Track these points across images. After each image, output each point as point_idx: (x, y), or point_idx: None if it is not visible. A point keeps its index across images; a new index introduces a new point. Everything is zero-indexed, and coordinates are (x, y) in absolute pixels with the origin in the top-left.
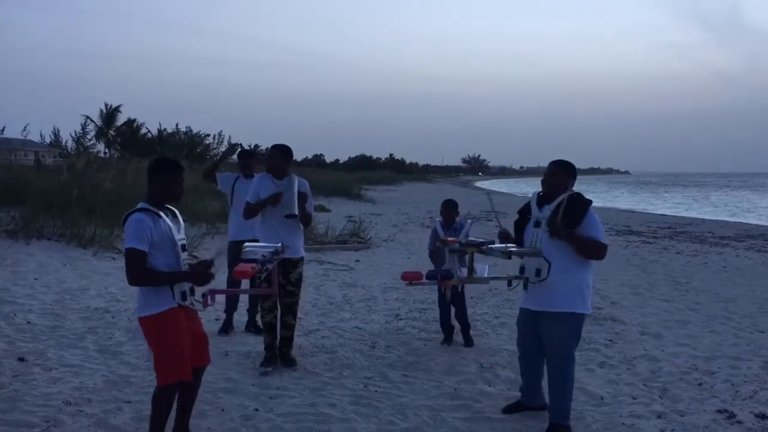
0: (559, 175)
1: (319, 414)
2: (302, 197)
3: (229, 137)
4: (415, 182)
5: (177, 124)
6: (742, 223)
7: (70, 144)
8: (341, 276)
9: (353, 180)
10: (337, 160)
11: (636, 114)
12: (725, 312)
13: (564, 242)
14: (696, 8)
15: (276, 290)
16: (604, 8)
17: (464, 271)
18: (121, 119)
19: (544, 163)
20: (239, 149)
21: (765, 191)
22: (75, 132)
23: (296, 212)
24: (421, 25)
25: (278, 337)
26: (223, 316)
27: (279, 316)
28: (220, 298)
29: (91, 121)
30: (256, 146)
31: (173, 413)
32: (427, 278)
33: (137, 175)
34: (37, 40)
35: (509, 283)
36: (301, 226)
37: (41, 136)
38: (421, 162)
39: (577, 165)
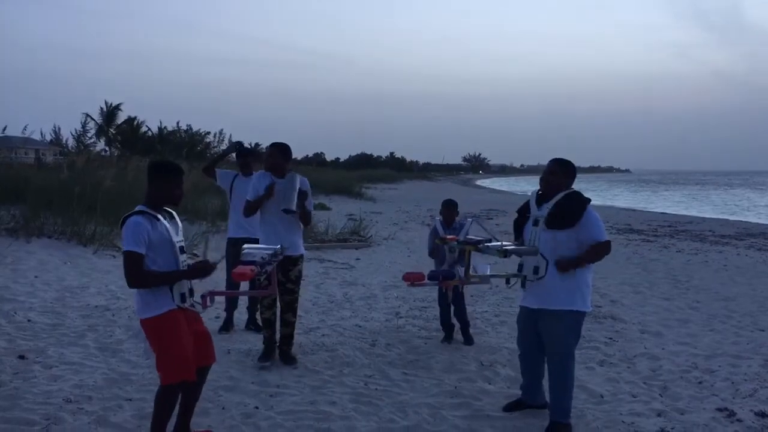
0: (558, 173)
1: (319, 412)
2: (302, 195)
3: (230, 135)
4: (415, 180)
5: (178, 123)
6: (742, 221)
7: (71, 142)
8: (342, 274)
9: (354, 178)
10: (338, 159)
11: (636, 113)
12: (726, 310)
13: (563, 240)
14: (696, 7)
15: (275, 289)
16: (604, 8)
17: (463, 270)
18: (121, 117)
19: (545, 162)
20: (240, 147)
21: (765, 190)
22: (75, 130)
23: (294, 208)
24: (421, 24)
25: (277, 332)
26: (224, 314)
27: (278, 313)
28: (220, 296)
29: (92, 119)
30: (257, 145)
31: (175, 412)
32: (429, 279)
33: (138, 173)
34: (39, 39)
35: (507, 281)
36: (301, 224)
37: (41, 134)
38: (422, 160)
39: (578, 163)
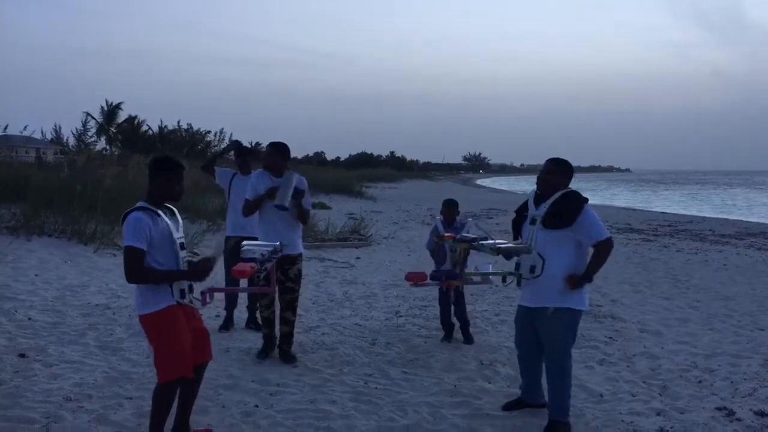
0: (554, 173)
1: (319, 411)
2: (299, 194)
3: (231, 134)
4: (415, 180)
5: (178, 122)
6: (742, 221)
7: (72, 141)
8: (342, 273)
9: (354, 177)
10: (338, 158)
11: (637, 112)
12: (725, 310)
13: (558, 238)
14: (696, 7)
15: (275, 286)
16: (604, 7)
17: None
18: (122, 116)
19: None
20: (239, 145)
21: (765, 189)
22: (76, 129)
23: (287, 205)
24: (421, 24)
25: (276, 329)
26: (224, 312)
27: (278, 312)
28: (220, 295)
29: (92, 118)
30: (257, 144)
31: (174, 409)
32: (431, 279)
33: (138, 172)
34: (39, 38)
35: (504, 279)
36: (300, 223)
37: (42, 133)
38: (422, 160)
39: (578, 163)
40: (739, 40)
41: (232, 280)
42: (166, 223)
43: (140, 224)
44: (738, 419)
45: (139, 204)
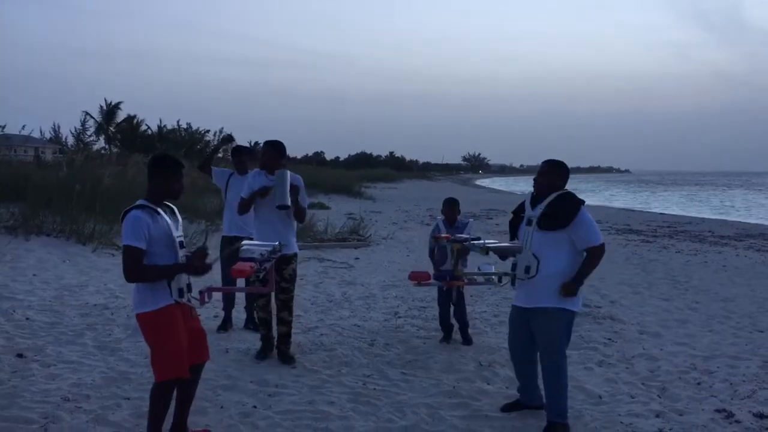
0: (550, 174)
1: (317, 412)
2: (294, 190)
3: (221, 129)
4: (415, 180)
5: (178, 121)
6: (741, 222)
7: (70, 140)
8: (340, 274)
9: (353, 177)
10: (338, 158)
11: (636, 113)
12: (724, 311)
13: (554, 240)
14: (696, 7)
15: (273, 286)
16: (604, 7)
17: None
18: (121, 116)
19: None
20: (232, 140)
21: (764, 191)
22: (75, 128)
23: (288, 203)
24: (421, 24)
25: (273, 329)
26: (222, 313)
27: (274, 312)
28: (218, 295)
29: (91, 117)
30: (256, 144)
31: (172, 409)
32: (435, 279)
33: (137, 171)
34: (39, 38)
35: (499, 279)
36: (295, 223)
37: (41, 132)
38: (422, 160)
39: (578, 164)
40: (739, 40)
41: (229, 280)
42: (166, 221)
43: (139, 223)
44: (737, 421)
45: (138, 202)
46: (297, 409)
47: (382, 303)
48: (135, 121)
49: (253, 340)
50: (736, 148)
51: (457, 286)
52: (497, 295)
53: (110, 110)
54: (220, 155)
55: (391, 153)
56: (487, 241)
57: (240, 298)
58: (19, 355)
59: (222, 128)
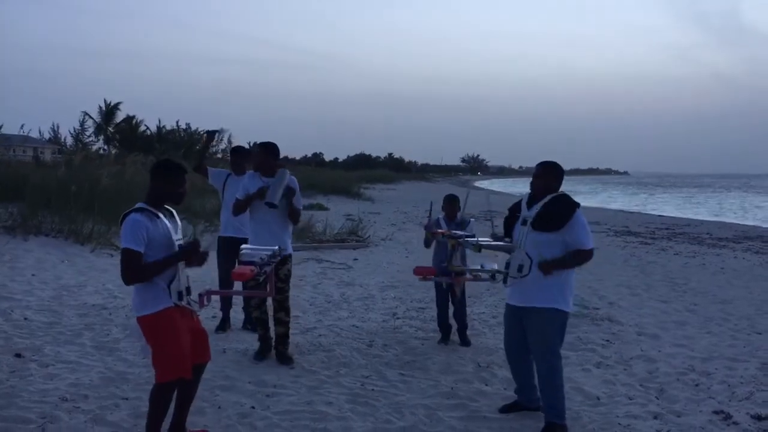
0: (545, 176)
1: (315, 412)
2: (289, 192)
3: (220, 129)
4: (413, 181)
5: (177, 122)
6: (740, 224)
7: (69, 140)
8: (339, 274)
9: (352, 178)
10: (336, 159)
11: (635, 115)
12: (722, 313)
13: (548, 241)
14: (696, 10)
15: (273, 292)
16: (603, 9)
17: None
18: (120, 116)
19: None
20: (217, 133)
21: (763, 193)
22: (74, 129)
23: (276, 202)
24: (420, 25)
25: (270, 330)
26: (220, 314)
27: (271, 313)
28: (215, 296)
29: (90, 117)
30: (255, 144)
31: (170, 410)
32: (440, 274)
33: (135, 172)
34: (38, 38)
35: (493, 277)
36: (290, 224)
37: (40, 132)
38: (420, 161)
39: (577, 166)
40: (738, 42)
41: (227, 282)
42: (165, 224)
43: (138, 226)
44: (735, 423)
45: (138, 205)
46: (295, 409)
47: (381, 304)
48: (134, 121)
49: (251, 341)
50: (735, 151)
51: (462, 283)
52: (495, 297)
53: (109, 110)
54: (219, 156)
55: (390, 154)
56: (480, 239)
57: (237, 298)
58: (17, 355)
59: (221, 128)
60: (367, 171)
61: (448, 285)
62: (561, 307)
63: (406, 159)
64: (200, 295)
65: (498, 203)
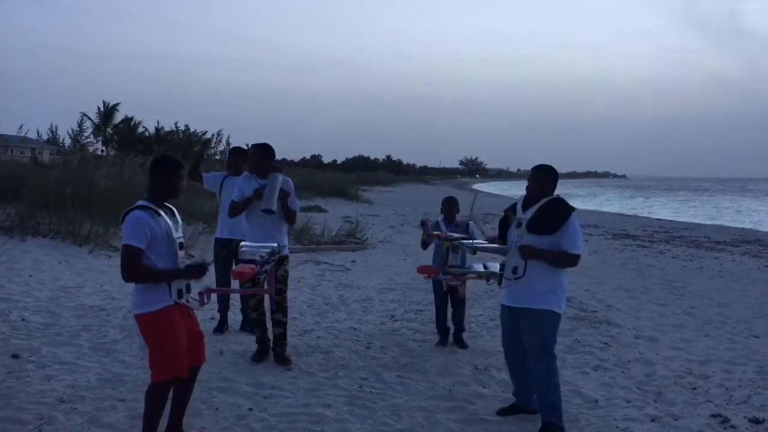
0: (540, 180)
1: (313, 414)
2: (284, 195)
3: (219, 131)
4: (412, 184)
5: (176, 123)
6: (737, 228)
7: (67, 141)
8: (337, 276)
9: (350, 180)
10: (335, 161)
11: (634, 118)
12: (720, 316)
13: (543, 243)
14: (695, 13)
15: (272, 290)
16: (603, 12)
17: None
18: (118, 117)
19: None
20: (210, 142)
21: (761, 197)
22: (72, 129)
23: (274, 208)
24: (419, 27)
25: (269, 331)
26: (218, 315)
27: (268, 313)
28: (213, 297)
29: (88, 118)
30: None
31: (166, 411)
32: (443, 273)
33: (133, 172)
34: (37, 39)
35: (487, 279)
36: (286, 225)
37: (38, 133)
38: (419, 164)
39: (575, 168)
40: (737, 46)
41: (224, 282)
42: (167, 222)
43: (140, 223)
44: (732, 426)
45: (139, 203)
46: (293, 411)
47: (379, 306)
48: (132, 122)
49: (249, 342)
50: (734, 154)
51: (462, 282)
52: (494, 299)
53: (108, 111)
54: (217, 157)
55: (389, 156)
56: (476, 241)
57: (235, 299)
58: (15, 356)
59: (220, 130)
60: (365, 173)
61: (448, 287)
62: (554, 308)
63: (405, 161)
64: (200, 294)
65: (497, 205)
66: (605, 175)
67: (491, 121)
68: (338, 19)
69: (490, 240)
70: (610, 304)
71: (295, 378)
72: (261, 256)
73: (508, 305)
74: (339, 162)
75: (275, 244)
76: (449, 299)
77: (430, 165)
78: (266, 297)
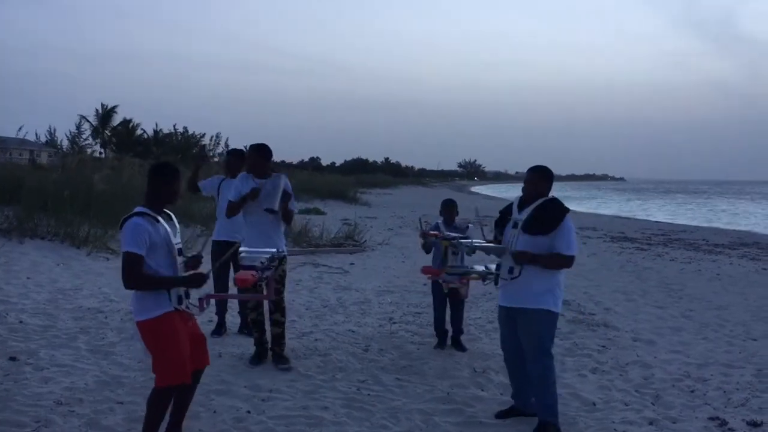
0: (536, 182)
1: (311, 417)
2: (285, 196)
3: (217, 134)
4: (410, 186)
5: (174, 125)
6: (735, 230)
7: (66, 144)
8: (335, 279)
9: (349, 183)
10: (333, 163)
11: (633, 121)
12: (718, 319)
13: (538, 244)
14: (693, 17)
15: (272, 294)
16: (602, 15)
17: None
18: (117, 120)
19: None
20: (205, 152)
21: (760, 199)
22: (70, 132)
23: (276, 208)
24: (417, 29)
25: (267, 333)
26: (216, 317)
27: (267, 314)
28: (211, 300)
29: (87, 120)
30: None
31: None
32: (447, 275)
33: (131, 174)
34: (36, 40)
35: (483, 279)
36: (283, 225)
37: (36, 135)
38: (417, 166)
39: (573, 171)
40: (735, 50)
41: (220, 286)
42: (165, 228)
43: (140, 230)
44: (730, 429)
45: (137, 209)
46: (291, 414)
47: (377, 308)
48: (131, 124)
49: (247, 345)
50: (732, 158)
51: (466, 282)
52: (492, 302)
53: (106, 114)
54: (216, 159)
55: (387, 159)
56: (474, 241)
57: (233, 302)
58: (12, 359)
59: (218, 133)
60: (363, 175)
61: (449, 289)
62: (551, 308)
63: (403, 164)
64: (200, 299)
65: (495, 207)
66: (603, 177)
67: (490, 124)
68: (336, 21)
69: (487, 240)
70: (608, 307)
71: (293, 381)
72: (261, 262)
73: (505, 306)
74: (337, 164)
75: (275, 250)
76: (448, 301)
77: (429, 167)
78: None
